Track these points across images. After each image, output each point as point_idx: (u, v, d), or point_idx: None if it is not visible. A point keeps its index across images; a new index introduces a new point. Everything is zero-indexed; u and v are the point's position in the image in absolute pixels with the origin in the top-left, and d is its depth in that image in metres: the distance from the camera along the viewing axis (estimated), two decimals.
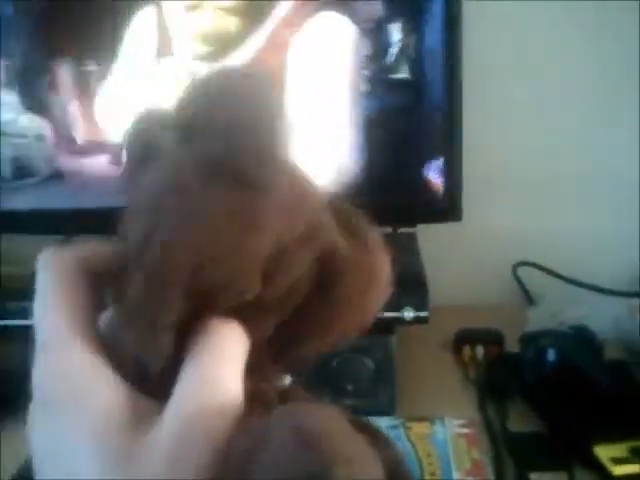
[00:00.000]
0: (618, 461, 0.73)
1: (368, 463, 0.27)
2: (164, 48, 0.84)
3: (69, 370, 0.31)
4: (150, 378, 0.31)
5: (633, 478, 0.72)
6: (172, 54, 0.84)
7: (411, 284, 0.86)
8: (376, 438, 0.36)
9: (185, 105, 0.33)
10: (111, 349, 0.32)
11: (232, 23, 0.82)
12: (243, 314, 0.33)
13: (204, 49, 0.84)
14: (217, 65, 0.30)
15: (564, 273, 1.04)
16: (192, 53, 0.84)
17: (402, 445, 0.79)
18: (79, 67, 0.84)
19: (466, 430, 0.81)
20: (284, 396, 0.35)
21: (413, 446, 0.79)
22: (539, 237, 1.08)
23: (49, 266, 0.34)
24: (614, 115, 1.05)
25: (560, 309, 0.96)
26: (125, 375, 0.31)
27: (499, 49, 1.01)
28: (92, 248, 0.35)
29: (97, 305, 0.34)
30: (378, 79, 0.85)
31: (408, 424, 0.82)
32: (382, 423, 0.81)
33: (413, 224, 0.95)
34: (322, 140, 0.86)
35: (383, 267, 0.36)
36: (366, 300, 0.36)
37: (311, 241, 0.33)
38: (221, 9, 0.82)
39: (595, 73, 1.03)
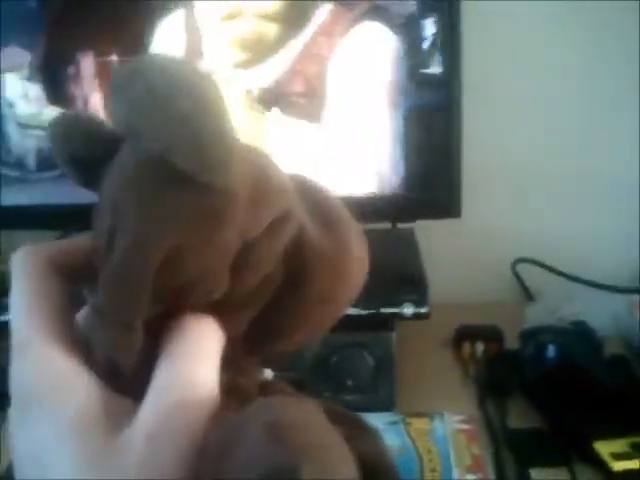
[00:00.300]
0: (618, 457, 0.73)
1: (339, 459, 0.27)
2: (192, 53, 0.84)
3: (44, 370, 0.31)
4: (124, 376, 0.31)
5: (633, 474, 0.72)
6: (200, 59, 0.84)
7: (411, 280, 0.86)
8: (361, 430, 0.35)
9: (118, 102, 0.31)
10: (86, 347, 0.31)
11: (271, 30, 0.82)
12: (216, 310, 0.33)
13: (239, 56, 0.83)
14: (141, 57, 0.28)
15: (563, 270, 1.04)
16: (226, 60, 0.84)
17: (402, 441, 0.78)
18: (102, 59, 0.84)
19: (466, 426, 0.81)
20: (265, 390, 0.35)
21: (413, 442, 0.79)
22: (538, 234, 1.08)
23: (22, 265, 0.33)
24: (614, 113, 1.05)
25: (559, 306, 0.96)
26: (100, 374, 0.31)
27: (499, 47, 1.01)
28: (67, 244, 0.35)
29: (72, 303, 0.34)
30: None
31: (408, 420, 0.81)
32: (382, 419, 0.81)
33: (412, 220, 0.95)
34: (360, 148, 0.86)
35: (355, 261, 0.36)
36: (337, 295, 0.36)
37: (278, 235, 0.33)
38: (260, 15, 0.81)
39: (595, 71, 1.03)
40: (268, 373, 0.38)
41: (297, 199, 0.34)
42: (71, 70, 0.84)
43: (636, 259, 1.04)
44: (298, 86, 0.83)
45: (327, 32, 0.82)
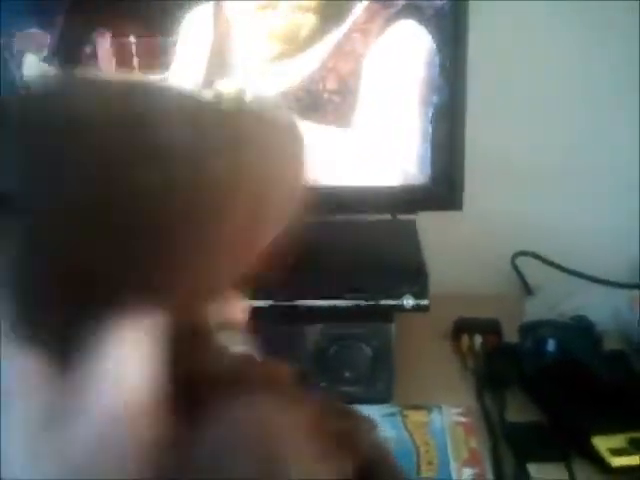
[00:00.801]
0: (616, 452, 0.72)
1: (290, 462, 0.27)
2: (220, 45, 0.83)
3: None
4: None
5: (631, 469, 0.72)
6: (228, 54, 0.83)
7: (411, 272, 0.85)
8: (358, 425, 0.35)
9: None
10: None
11: (307, 22, 0.81)
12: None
13: (272, 49, 0.82)
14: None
15: (563, 264, 1.04)
16: (258, 53, 0.83)
17: (399, 433, 0.78)
18: (119, 39, 0.83)
19: (463, 419, 0.81)
20: (235, 369, 0.34)
21: (410, 434, 0.78)
22: (538, 227, 1.08)
23: None
24: (614, 107, 1.04)
25: (558, 300, 0.96)
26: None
27: (502, 42, 1.01)
28: None
29: None
30: None
31: (405, 412, 0.81)
32: (379, 411, 0.80)
33: (414, 212, 0.94)
34: (389, 144, 0.86)
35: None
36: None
37: None
38: (296, 7, 0.80)
39: (595, 68, 1.03)
40: (240, 346, 0.37)
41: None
42: (88, 50, 0.84)
43: (636, 254, 1.04)
44: (331, 83, 0.83)
45: (362, 29, 0.81)
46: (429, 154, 0.86)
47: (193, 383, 0.31)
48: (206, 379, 0.32)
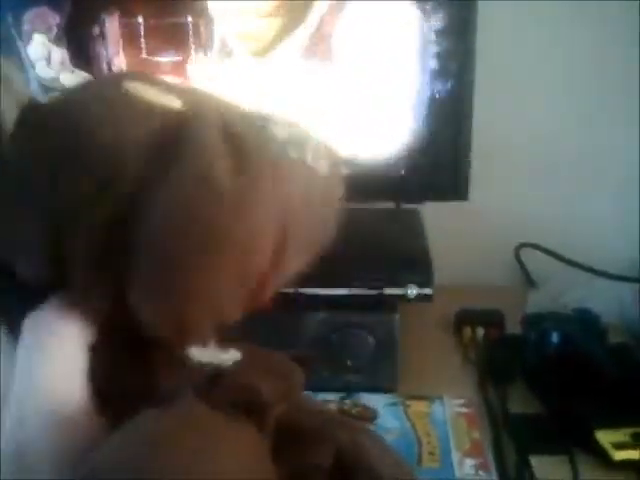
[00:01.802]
0: (619, 446, 0.72)
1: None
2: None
3: None
4: None
5: (634, 463, 0.71)
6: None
7: (415, 261, 0.85)
8: (337, 420, 0.35)
9: None
10: None
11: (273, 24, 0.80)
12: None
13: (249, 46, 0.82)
14: None
15: (566, 256, 1.04)
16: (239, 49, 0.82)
17: (400, 423, 0.78)
18: (127, 20, 0.82)
19: (466, 410, 0.80)
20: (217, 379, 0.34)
21: (412, 424, 0.78)
22: (542, 219, 1.07)
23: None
24: (615, 100, 1.04)
25: (561, 292, 0.96)
26: None
27: (506, 37, 1.00)
28: None
29: None
30: None
31: (407, 402, 0.81)
32: (381, 400, 0.80)
33: (418, 201, 0.94)
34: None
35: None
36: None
37: None
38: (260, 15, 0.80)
39: (596, 59, 1.03)
40: (230, 356, 0.36)
41: None
42: (96, 31, 0.83)
43: (638, 244, 1.04)
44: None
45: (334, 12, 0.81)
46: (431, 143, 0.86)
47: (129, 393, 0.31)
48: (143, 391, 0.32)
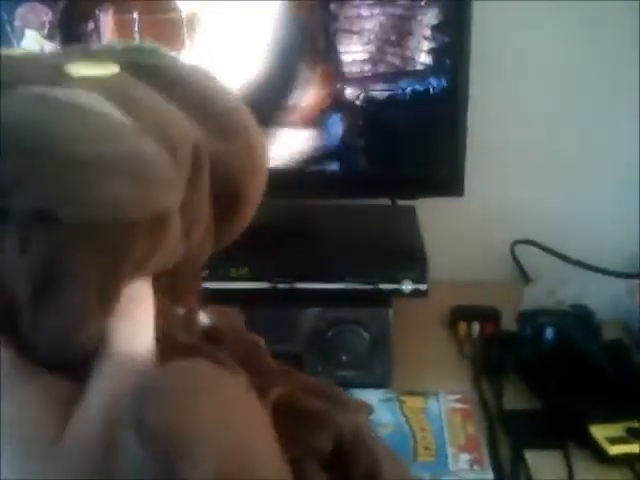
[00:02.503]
0: (614, 441, 0.72)
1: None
2: None
3: None
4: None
5: (629, 458, 0.71)
6: None
7: (410, 257, 0.85)
8: (341, 405, 0.35)
9: None
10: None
11: None
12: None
13: None
14: None
15: (562, 252, 1.04)
16: None
17: (395, 418, 0.78)
18: (121, 16, 0.82)
19: (460, 405, 0.80)
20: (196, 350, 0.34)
21: (407, 419, 0.78)
22: (538, 215, 1.07)
23: None
24: (614, 96, 1.04)
25: (556, 288, 0.96)
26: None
27: (505, 32, 1.00)
28: None
29: None
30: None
31: (402, 398, 0.81)
32: (376, 396, 0.80)
33: (414, 197, 0.94)
34: None
35: (260, 153, 0.35)
36: (254, 191, 0.35)
37: (201, 183, 0.32)
38: None
39: (596, 55, 1.02)
40: (204, 319, 0.37)
41: (191, 120, 0.32)
42: (90, 26, 0.83)
43: (635, 243, 1.03)
44: None
45: None
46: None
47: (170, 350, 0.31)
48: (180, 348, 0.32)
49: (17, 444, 0.28)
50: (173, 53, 0.34)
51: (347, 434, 0.33)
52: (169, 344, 0.31)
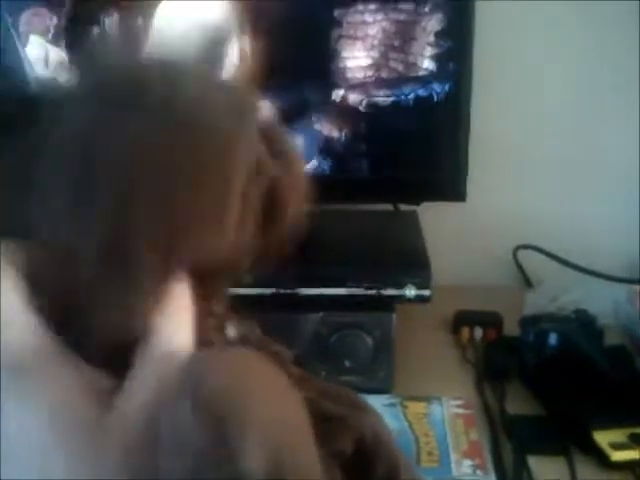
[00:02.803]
0: (617, 446, 0.72)
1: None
2: None
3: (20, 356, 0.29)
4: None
5: (632, 464, 0.71)
6: None
7: (413, 262, 0.85)
8: (359, 410, 0.35)
9: None
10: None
11: None
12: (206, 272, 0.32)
13: None
14: None
15: (564, 257, 1.04)
16: None
17: (399, 424, 0.78)
18: (128, 20, 0.82)
19: (463, 411, 0.80)
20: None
21: (410, 425, 0.78)
22: (540, 221, 1.07)
23: None
24: (614, 101, 1.04)
25: (558, 293, 0.96)
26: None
27: (503, 37, 1.00)
28: None
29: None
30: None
31: (405, 403, 0.81)
32: (379, 401, 0.80)
33: (417, 202, 0.94)
34: None
35: (303, 174, 0.37)
36: (296, 208, 0.37)
37: (256, 185, 0.33)
38: None
39: (595, 58, 1.03)
40: (233, 331, 0.37)
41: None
42: (96, 31, 0.83)
43: (636, 248, 1.04)
44: None
45: None
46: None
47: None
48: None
49: (60, 426, 0.28)
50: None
51: (367, 437, 0.34)
52: (204, 346, 0.32)
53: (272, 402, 0.28)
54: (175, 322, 0.30)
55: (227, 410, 0.25)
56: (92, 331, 0.29)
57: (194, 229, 0.30)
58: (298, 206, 0.36)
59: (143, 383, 0.29)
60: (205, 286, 0.33)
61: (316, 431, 0.31)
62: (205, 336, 0.33)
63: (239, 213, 0.31)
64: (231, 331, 0.37)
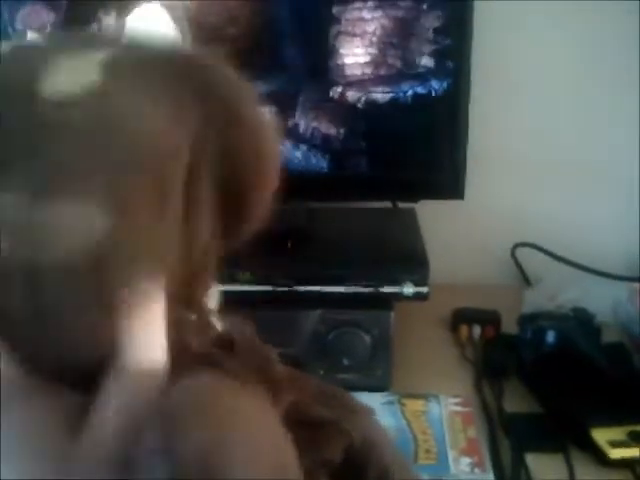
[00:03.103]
0: (615, 444, 0.72)
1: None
2: None
3: None
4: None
5: (630, 461, 0.71)
6: None
7: (411, 260, 0.85)
8: (352, 412, 0.35)
9: None
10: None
11: None
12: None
13: None
14: None
15: (562, 255, 1.04)
16: None
17: (397, 421, 0.78)
18: (124, 18, 0.82)
19: (461, 408, 0.80)
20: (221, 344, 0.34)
21: (408, 423, 0.78)
22: (539, 219, 1.07)
23: None
24: (614, 100, 1.04)
25: (557, 291, 0.96)
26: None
27: (504, 35, 1.00)
28: None
29: None
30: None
31: (403, 401, 0.81)
32: (377, 399, 0.80)
33: (415, 200, 0.94)
34: None
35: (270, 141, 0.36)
36: (265, 183, 0.36)
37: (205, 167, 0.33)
38: None
39: (596, 60, 1.02)
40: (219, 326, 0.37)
41: None
42: (93, 28, 0.83)
43: (635, 246, 1.04)
44: None
45: None
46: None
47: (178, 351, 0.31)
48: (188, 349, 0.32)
49: (30, 454, 0.28)
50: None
51: (357, 443, 0.33)
52: (182, 352, 0.31)
53: (256, 453, 0.27)
54: (145, 337, 0.30)
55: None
56: (61, 351, 0.29)
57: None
58: (265, 191, 0.35)
59: (110, 414, 0.28)
60: (180, 292, 0.32)
61: (303, 439, 0.31)
62: (183, 343, 0.32)
63: (183, 207, 0.31)
64: (216, 330, 0.36)
